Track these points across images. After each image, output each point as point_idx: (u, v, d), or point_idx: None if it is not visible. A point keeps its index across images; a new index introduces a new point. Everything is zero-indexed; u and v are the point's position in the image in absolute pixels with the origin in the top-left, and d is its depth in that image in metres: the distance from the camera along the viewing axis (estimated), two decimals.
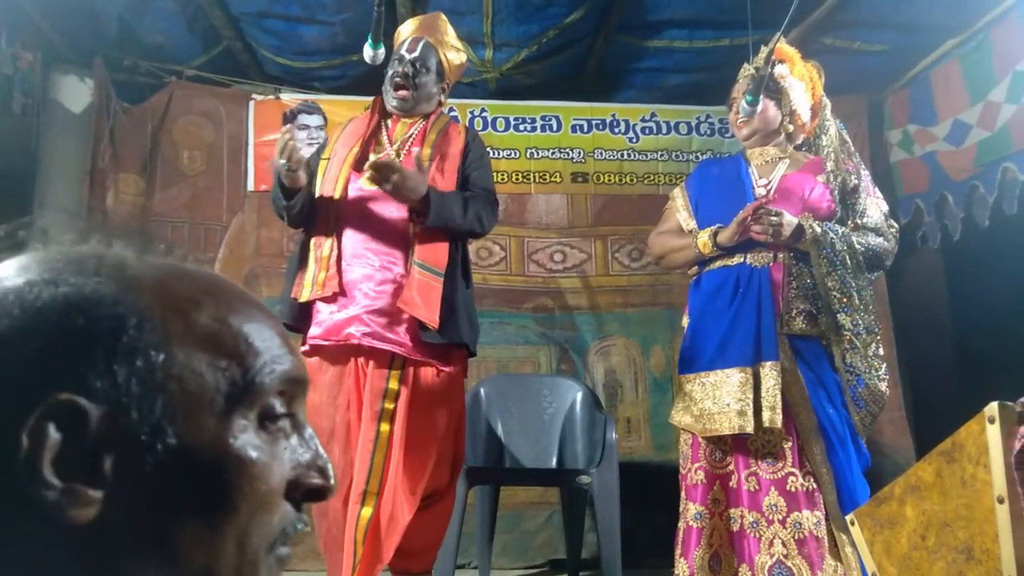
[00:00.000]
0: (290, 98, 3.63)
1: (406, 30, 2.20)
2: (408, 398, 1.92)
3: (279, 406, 0.51)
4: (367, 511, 1.87)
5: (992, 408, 1.20)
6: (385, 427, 1.90)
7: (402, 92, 2.11)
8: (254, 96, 3.62)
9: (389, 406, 1.92)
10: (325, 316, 2.00)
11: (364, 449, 1.90)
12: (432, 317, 1.92)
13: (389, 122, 2.18)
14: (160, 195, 3.47)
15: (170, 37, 3.38)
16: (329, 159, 2.12)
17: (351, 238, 2.01)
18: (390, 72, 2.14)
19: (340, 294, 1.98)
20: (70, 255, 0.48)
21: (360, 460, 1.90)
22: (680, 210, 2.30)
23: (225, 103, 3.59)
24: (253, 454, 0.48)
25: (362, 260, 1.99)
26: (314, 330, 2.01)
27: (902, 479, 1.36)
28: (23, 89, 3.16)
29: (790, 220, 2.04)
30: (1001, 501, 1.17)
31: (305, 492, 0.52)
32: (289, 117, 3.59)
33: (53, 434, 0.43)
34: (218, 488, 0.47)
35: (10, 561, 0.43)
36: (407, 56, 2.11)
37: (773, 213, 2.03)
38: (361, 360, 1.97)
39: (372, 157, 2.09)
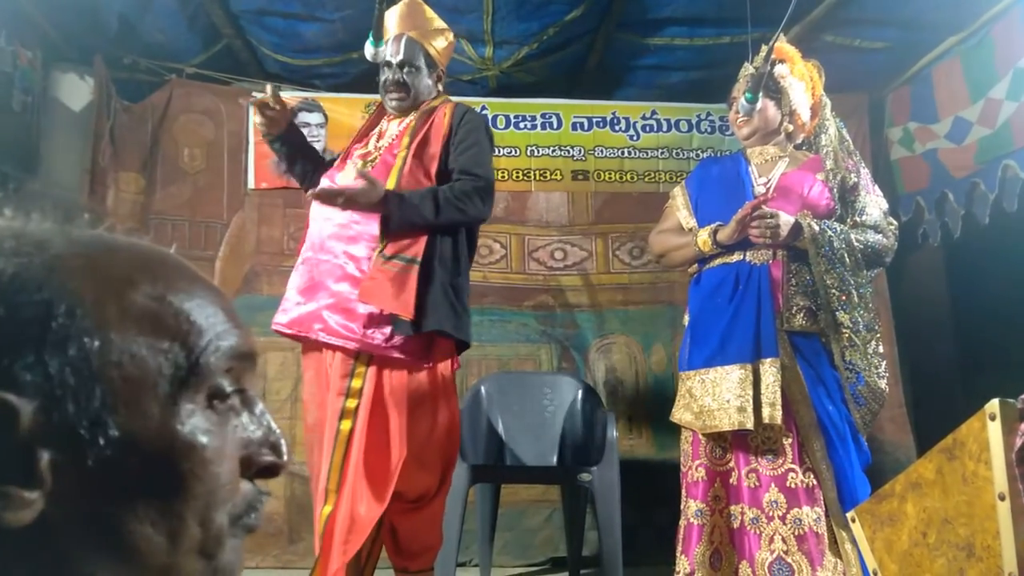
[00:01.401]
0: (290, 96, 3.62)
1: (389, 27, 2.17)
2: (372, 396, 1.88)
3: (227, 384, 0.48)
4: (327, 509, 1.86)
5: (993, 405, 1.20)
6: (346, 425, 1.87)
7: (397, 97, 2.11)
8: (254, 94, 3.61)
9: (351, 404, 1.88)
10: (292, 305, 2.00)
11: (327, 447, 1.89)
12: (403, 308, 1.85)
13: (386, 121, 2.19)
14: (160, 193, 3.47)
15: (170, 35, 3.38)
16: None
17: (320, 232, 2.02)
18: (382, 78, 2.13)
19: (308, 287, 1.98)
20: None
21: (324, 458, 1.89)
22: (680, 208, 2.30)
23: (225, 101, 3.59)
24: (203, 439, 0.46)
25: (327, 254, 1.99)
26: (280, 316, 2.01)
27: (903, 476, 1.36)
28: (23, 87, 3.16)
29: (787, 220, 2.04)
30: (1002, 498, 1.17)
31: (258, 469, 0.50)
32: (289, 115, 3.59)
33: None
34: (170, 477, 0.44)
35: None
36: (393, 61, 2.10)
37: (769, 215, 2.03)
38: (328, 356, 1.96)
39: (355, 155, 2.12)
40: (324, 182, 2.07)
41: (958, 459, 1.25)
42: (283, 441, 0.52)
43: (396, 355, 1.90)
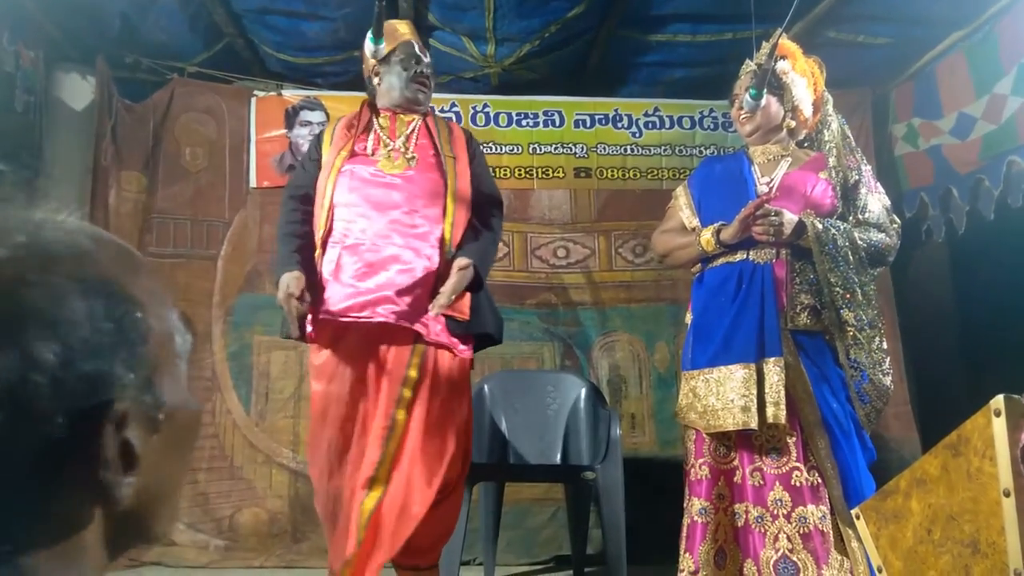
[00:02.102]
0: (292, 94, 3.63)
1: (406, 31, 2.22)
2: (428, 386, 1.93)
3: None
4: (372, 499, 1.85)
5: (998, 401, 1.19)
6: (401, 414, 1.90)
7: (421, 89, 2.18)
8: (256, 93, 3.62)
9: (407, 393, 1.91)
10: (342, 291, 1.97)
11: (377, 435, 1.89)
12: (458, 310, 1.97)
13: (384, 120, 2.19)
14: (162, 192, 3.48)
15: (172, 34, 3.38)
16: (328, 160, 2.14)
17: (370, 223, 2.02)
18: (409, 71, 2.16)
19: (365, 273, 1.98)
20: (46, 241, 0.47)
21: (371, 446, 1.89)
22: (683, 208, 2.29)
23: (227, 100, 3.59)
24: (196, 403, 0.54)
25: (384, 240, 2.00)
26: (331, 305, 1.97)
27: (907, 473, 1.35)
28: (26, 87, 3.16)
29: (790, 219, 2.03)
30: (1007, 494, 1.16)
31: None
32: (291, 114, 3.59)
33: (114, 435, 0.46)
34: (191, 438, 0.53)
35: (75, 545, 0.46)
36: (424, 59, 2.19)
37: (773, 213, 2.02)
38: (382, 345, 1.97)
39: (383, 152, 2.12)
40: (354, 169, 2.06)
41: (963, 455, 1.24)
42: None
43: (444, 348, 1.98)
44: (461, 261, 1.98)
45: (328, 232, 2.04)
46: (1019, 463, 1.15)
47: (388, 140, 2.13)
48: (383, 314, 1.93)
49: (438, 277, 1.99)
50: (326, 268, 2.01)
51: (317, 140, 2.22)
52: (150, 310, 0.49)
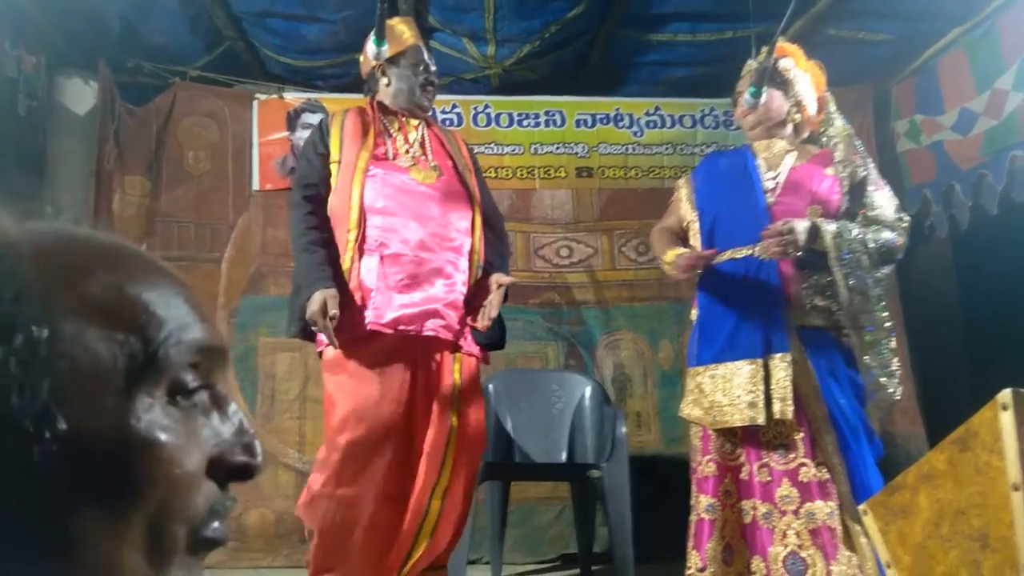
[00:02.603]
0: (293, 97, 3.64)
1: (412, 35, 2.21)
2: (468, 392, 2.02)
3: (192, 379, 0.46)
4: (437, 504, 1.93)
5: (1005, 395, 1.19)
6: (454, 420, 1.97)
7: (431, 97, 2.20)
8: (258, 96, 3.62)
9: (455, 400, 1.99)
10: (389, 301, 1.96)
11: (433, 441, 1.93)
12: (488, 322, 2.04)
13: (395, 121, 2.18)
14: (166, 196, 3.48)
15: (173, 38, 3.39)
16: (340, 162, 2.09)
17: (410, 231, 2.01)
18: (419, 77, 2.16)
19: (410, 284, 1.98)
20: None
21: (429, 452, 1.93)
22: (683, 201, 2.29)
23: (229, 103, 3.60)
24: (162, 436, 0.43)
25: (427, 252, 2.01)
26: (371, 314, 1.95)
27: (915, 468, 1.35)
28: (28, 92, 3.17)
29: (803, 227, 2.00)
30: (1016, 488, 1.16)
31: (229, 470, 0.47)
32: (293, 116, 3.60)
33: None
34: (123, 475, 0.41)
35: None
36: (432, 67, 2.20)
37: (786, 230, 1.99)
38: (425, 355, 1.99)
39: (406, 159, 2.11)
40: (384, 175, 2.05)
41: (971, 450, 1.25)
42: (257, 441, 0.49)
43: (474, 356, 2.07)
44: (502, 278, 2.06)
45: (362, 239, 2.00)
46: None
47: (405, 144, 2.13)
48: (432, 328, 1.98)
49: (469, 289, 2.07)
50: (366, 277, 1.98)
51: (321, 132, 2.15)
52: (77, 318, 0.42)
